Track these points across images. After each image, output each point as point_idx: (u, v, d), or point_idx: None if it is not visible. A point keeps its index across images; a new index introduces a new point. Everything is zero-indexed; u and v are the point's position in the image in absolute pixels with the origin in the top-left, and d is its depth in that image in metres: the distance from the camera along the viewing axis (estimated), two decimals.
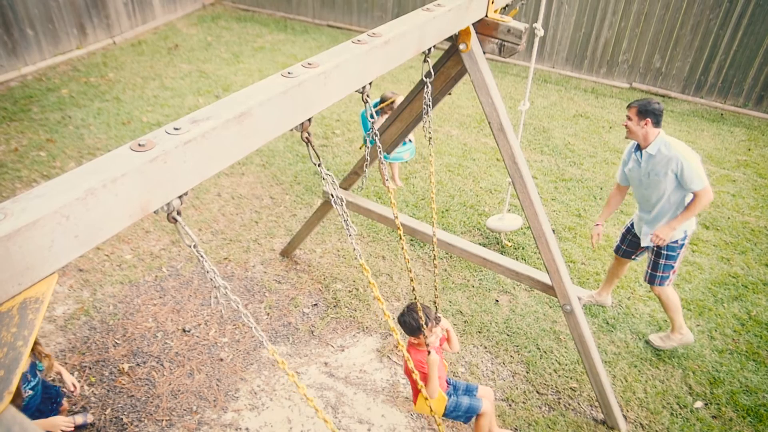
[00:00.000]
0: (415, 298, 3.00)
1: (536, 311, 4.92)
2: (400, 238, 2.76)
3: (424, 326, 3.14)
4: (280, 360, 1.87)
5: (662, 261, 4.24)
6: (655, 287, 4.34)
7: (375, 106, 5.68)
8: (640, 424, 4.02)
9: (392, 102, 5.42)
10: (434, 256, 3.22)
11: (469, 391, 3.52)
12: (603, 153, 7.39)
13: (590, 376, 3.83)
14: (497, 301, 5.02)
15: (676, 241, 4.17)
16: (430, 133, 3.02)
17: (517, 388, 4.25)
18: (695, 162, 3.87)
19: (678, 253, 4.22)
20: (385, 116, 5.49)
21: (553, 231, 5.60)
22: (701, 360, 4.50)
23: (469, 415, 3.41)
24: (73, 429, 3.18)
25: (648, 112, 3.94)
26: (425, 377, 3.17)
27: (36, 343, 3.12)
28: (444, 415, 3.38)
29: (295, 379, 1.92)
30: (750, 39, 8.20)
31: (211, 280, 1.72)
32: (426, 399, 2.91)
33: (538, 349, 4.58)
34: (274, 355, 1.83)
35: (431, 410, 2.97)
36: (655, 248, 4.25)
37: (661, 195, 4.08)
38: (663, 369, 4.42)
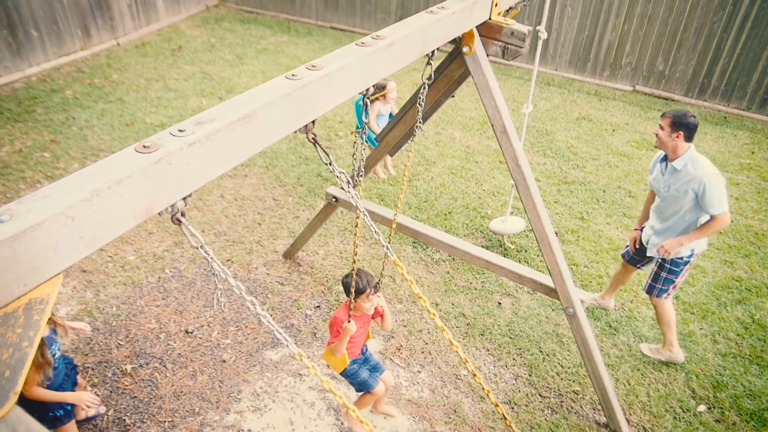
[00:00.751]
0: (353, 268, 3.08)
1: (539, 314, 4.91)
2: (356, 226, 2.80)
3: (353, 296, 3.26)
4: (298, 354, 1.91)
5: (664, 274, 4.19)
6: (653, 298, 4.32)
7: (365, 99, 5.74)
8: (643, 427, 4.01)
9: (384, 89, 5.42)
10: (390, 236, 3.41)
11: (374, 369, 3.69)
12: (606, 156, 7.38)
13: (593, 379, 3.83)
14: (500, 303, 5.01)
15: (681, 258, 4.10)
16: (417, 130, 3.04)
17: (519, 391, 4.24)
18: (719, 186, 3.77)
19: (681, 270, 4.15)
20: (378, 104, 5.49)
21: (556, 234, 5.60)
22: (704, 364, 4.49)
23: (361, 389, 3.62)
24: (97, 405, 3.22)
25: (681, 125, 3.81)
26: (336, 336, 3.37)
27: (52, 312, 3.15)
28: (341, 374, 3.58)
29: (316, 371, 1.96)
30: (754, 42, 8.19)
31: (225, 280, 1.74)
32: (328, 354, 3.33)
33: (541, 352, 4.57)
34: (301, 358, 1.86)
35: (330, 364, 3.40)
36: (659, 260, 4.21)
37: (676, 210, 4.00)
38: (666, 372, 4.41)
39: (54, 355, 3.17)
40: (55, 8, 8.65)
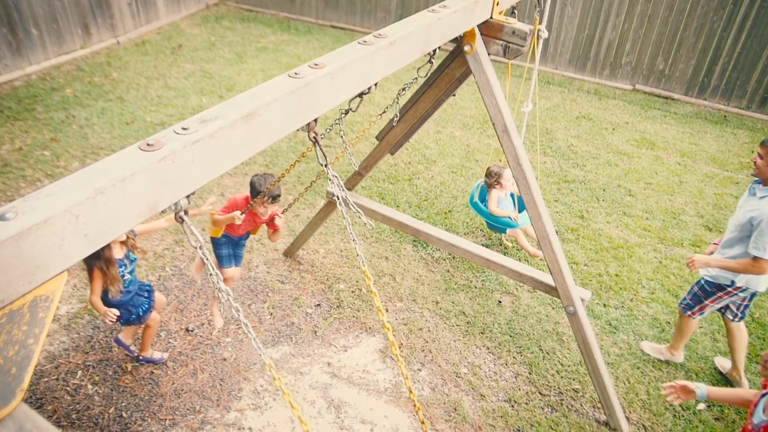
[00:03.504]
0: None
1: (539, 312, 4.92)
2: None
3: (251, 195, 3.77)
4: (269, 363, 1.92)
5: (695, 288, 4.11)
6: (679, 307, 4.28)
7: (482, 189, 5.33)
8: (643, 425, 4.02)
9: (499, 176, 5.07)
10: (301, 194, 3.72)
11: (233, 256, 4.28)
12: (606, 155, 7.39)
13: (593, 377, 3.84)
14: (500, 302, 5.02)
15: (717, 282, 3.93)
16: (397, 116, 3.09)
17: (519, 389, 4.25)
18: None
19: (714, 294, 3.97)
20: (493, 190, 5.07)
21: (557, 232, 5.61)
22: (704, 362, 4.50)
23: (216, 261, 4.20)
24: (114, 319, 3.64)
25: None
26: (225, 212, 3.88)
27: (128, 237, 3.74)
28: (210, 238, 4.20)
29: (281, 384, 1.96)
30: (754, 41, 8.20)
31: (217, 283, 1.75)
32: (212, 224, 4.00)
33: (541, 350, 4.58)
34: (270, 369, 1.88)
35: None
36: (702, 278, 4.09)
37: (731, 233, 3.84)
38: (666, 371, 4.42)
39: (123, 276, 3.71)
40: (55, 6, 8.64)
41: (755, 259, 3.58)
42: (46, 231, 1.20)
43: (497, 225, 5.17)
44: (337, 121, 2.49)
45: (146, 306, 3.98)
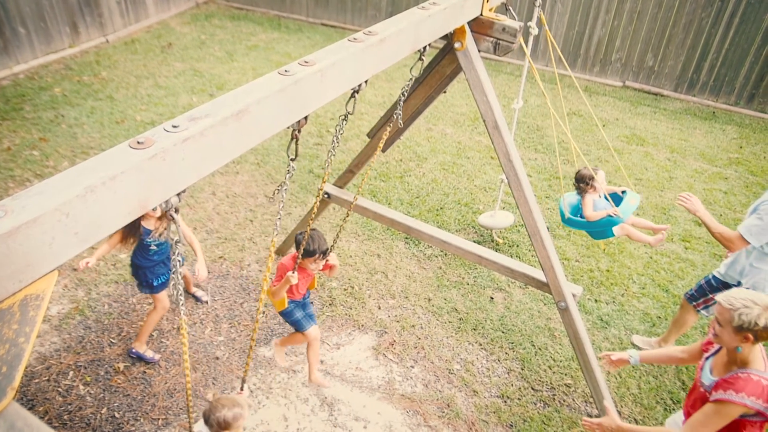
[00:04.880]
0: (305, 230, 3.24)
1: (531, 308, 4.94)
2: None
3: (301, 256, 3.37)
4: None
5: (702, 281, 4.12)
6: (684, 297, 4.28)
7: (576, 209, 4.67)
8: (634, 419, 4.05)
9: (593, 179, 4.53)
10: (347, 214, 3.58)
11: (308, 315, 3.84)
12: (597, 151, 7.43)
13: (585, 372, 3.86)
14: (492, 298, 5.04)
15: (722, 281, 3.93)
16: (399, 115, 3.10)
17: (512, 385, 4.27)
18: None
19: (718, 288, 3.95)
20: (587, 195, 4.54)
21: (548, 228, 5.63)
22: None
23: (295, 327, 3.81)
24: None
25: None
26: (279, 281, 3.53)
27: (164, 213, 3.76)
28: (279, 313, 3.77)
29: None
30: (741, 38, 8.26)
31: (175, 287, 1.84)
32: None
33: (533, 346, 4.60)
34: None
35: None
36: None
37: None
38: (657, 365, 4.46)
39: (149, 246, 3.96)
40: (43, 5, 8.57)
41: (740, 237, 3.56)
42: (36, 229, 1.20)
43: (601, 229, 4.59)
44: (338, 126, 2.51)
45: (163, 279, 4.12)
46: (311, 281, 3.79)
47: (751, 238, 3.52)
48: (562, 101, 5.34)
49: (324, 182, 2.80)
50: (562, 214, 4.62)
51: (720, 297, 2.60)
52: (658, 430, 2.83)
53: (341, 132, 2.54)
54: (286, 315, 3.77)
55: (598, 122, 4.64)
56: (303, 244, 3.24)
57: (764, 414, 2.52)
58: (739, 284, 3.86)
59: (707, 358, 2.88)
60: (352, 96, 2.36)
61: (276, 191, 2.28)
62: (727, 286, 3.93)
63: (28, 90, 7.97)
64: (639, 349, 4.57)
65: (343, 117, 2.50)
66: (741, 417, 2.59)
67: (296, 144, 2.10)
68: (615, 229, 4.53)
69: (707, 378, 2.78)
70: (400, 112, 3.06)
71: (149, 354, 4.29)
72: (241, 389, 3.27)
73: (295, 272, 3.38)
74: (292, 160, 2.15)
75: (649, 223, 4.75)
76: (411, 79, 2.88)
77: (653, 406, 4.13)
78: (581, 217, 4.52)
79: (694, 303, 4.18)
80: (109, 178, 1.33)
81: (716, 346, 2.86)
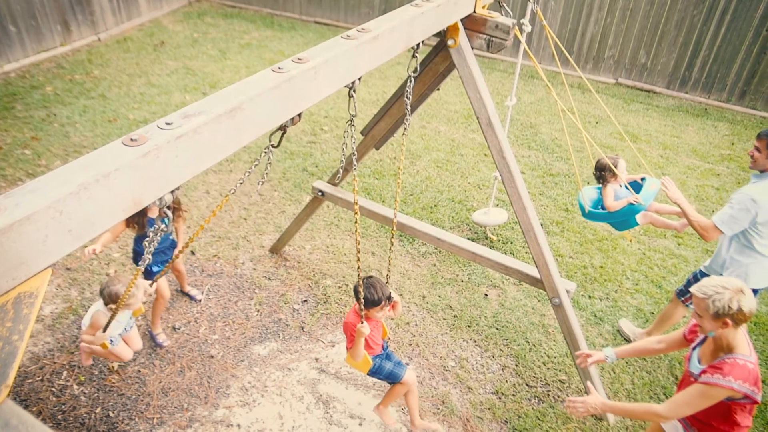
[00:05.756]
0: (358, 276, 3.07)
1: (525, 305, 4.96)
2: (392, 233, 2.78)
3: (364, 306, 3.20)
4: None
5: (690, 276, 4.17)
6: (674, 293, 4.32)
7: (599, 190, 4.55)
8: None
9: (612, 168, 4.33)
10: (392, 236, 3.31)
11: (397, 363, 3.59)
12: (590, 148, 7.45)
13: (579, 368, 3.88)
14: (486, 295, 5.05)
15: (707, 275, 3.93)
16: (407, 121, 3.06)
17: (506, 381, 4.29)
18: (740, 206, 3.55)
19: (700, 280, 3.99)
20: (608, 186, 4.39)
21: (541, 225, 5.65)
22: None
23: (391, 379, 3.57)
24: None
25: None
26: (352, 341, 3.33)
27: (177, 203, 4.09)
28: (368, 374, 3.53)
29: None
30: (733, 35, 8.30)
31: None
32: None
33: (527, 342, 4.62)
34: None
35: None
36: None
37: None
38: (650, 360, 4.48)
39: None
40: (34, 3, 8.51)
41: (714, 226, 3.63)
42: (29, 227, 1.19)
43: (623, 218, 4.40)
44: (346, 133, 2.52)
45: (162, 267, 4.17)
46: (383, 329, 3.55)
47: (724, 227, 3.61)
48: (569, 96, 5.35)
49: (355, 188, 2.80)
50: (582, 209, 4.51)
51: (693, 288, 2.66)
52: (640, 406, 2.88)
53: (354, 139, 2.56)
54: (376, 373, 3.52)
55: (610, 116, 4.65)
56: (361, 295, 3.09)
57: (751, 397, 2.57)
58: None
59: (694, 348, 2.93)
60: (351, 96, 2.36)
61: (260, 182, 2.27)
62: None
63: (20, 89, 7.92)
64: (619, 348, 4.59)
65: (349, 122, 2.51)
66: (729, 400, 2.63)
67: (282, 135, 2.09)
68: (638, 218, 4.36)
69: (695, 367, 2.83)
70: (410, 119, 3.05)
71: (161, 338, 4.41)
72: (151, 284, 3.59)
73: (365, 323, 3.18)
74: (273, 146, 2.14)
75: (673, 207, 4.46)
76: (409, 77, 2.88)
77: (647, 401, 4.15)
78: (602, 209, 4.42)
79: (683, 298, 4.23)
80: (102, 175, 1.32)
81: (701, 336, 2.90)
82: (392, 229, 3.35)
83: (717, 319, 2.57)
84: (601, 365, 4.40)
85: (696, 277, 4.11)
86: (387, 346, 3.62)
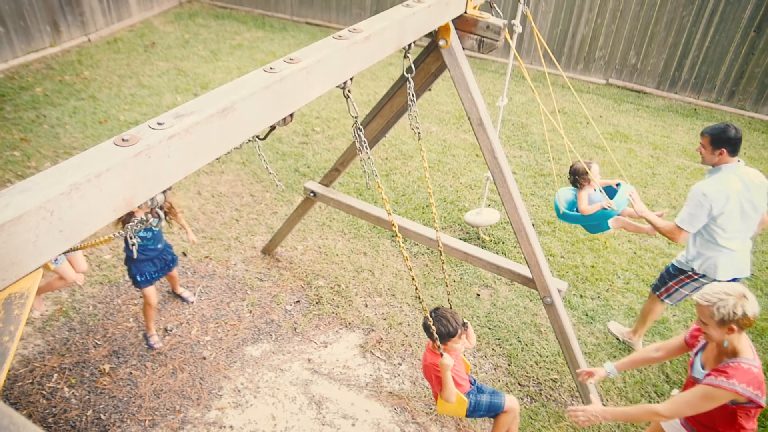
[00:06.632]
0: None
1: (517, 304, 4.98)
2: (400, 247, 2.78)
3: (440, 341, 3.05)
4: None
5: (663, 271, 4.25)
6: (650, 289, 4.40)
7: (572, 204, 4.63)
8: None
9: (587, 173, 4.44)
10: (442, 261, 3.27)
11: (492, 392, 3.40)
12: (581, 148, 7.49)
13: (571, 367, 3.89)
14: (478, 295, 5.06)
15: (679, 263, 4.07)
16: (417, 127, 3.06)
17: (499, 381, 4.30)
18: (696, 203, 3.67)
19: (675, 275, 4.10)
20: (583, 189, 4.52)
21: (533, 225, 5.67)
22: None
23: (493, 412, 3.34)
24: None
25: (722, 141, 3.66)
26: (439, 383, 3.10)
27: (171, 207, 4.17)
28: (466, 416, 3.32)
29: None
30: (721, 36, 8.37)
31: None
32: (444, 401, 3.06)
33: (520, 341, 4.64)
34: None
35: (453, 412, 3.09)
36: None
37: None
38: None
39: (142, 236, 4.03)
40: (22, 3, 8.45)
41: (677, 227, 3.78)
42: (20, 227, 1.19)
43: (596, 222, 4.54)
44: (356, 138, 2.51)
45: (147, 277, 4.17)
46: (465, 363, 3.42)
47: (686, 226, 3.74)
48: (555, 98, 5.37)
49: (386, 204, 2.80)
50: (557, 209, 4.61)
51: (696, 296, 2.68)
52: (640, 408, 2.90)
53: (365, 143, 2.57)
54: (475, 410, 3.29)
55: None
56: (434, 329, 2.98)
57: (755, 401, 2.58)
58: (692, 270, 4.00)
59: (696, 354, 2.95)
60: (347, 97, 2.36)
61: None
62: (682, 272, 4.08)
63: (8, 90, 7.86)
64: (619, 340, 4.62)
65: (355, 125, 2.50)
66: (733, 404, 2.64)
67: (270, 130, 2.09)
68: (610, 222, 4.52)
69: (699, 372, 2.85)
70: (419, 127, 3.06)
71: (153, 340, 4.38)
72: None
73: (445, 354, 3.01)
74: (259, 138, 2.13)
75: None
76: (407, 79, 2.88)
77: (638, 400, 4.18)
78: (576, 211, 4.53)
79: (658, 293, 4.29)
80: (94, 175, 1.32)
81: (702, 341, 2.92)
82: (440, 252, 3.32)
83: (722, 325, 2.58)
84: (593, 364, 4.43)
85: (668, 271, 4.20)
86: (475, 380, 3.46)
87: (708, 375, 2.69)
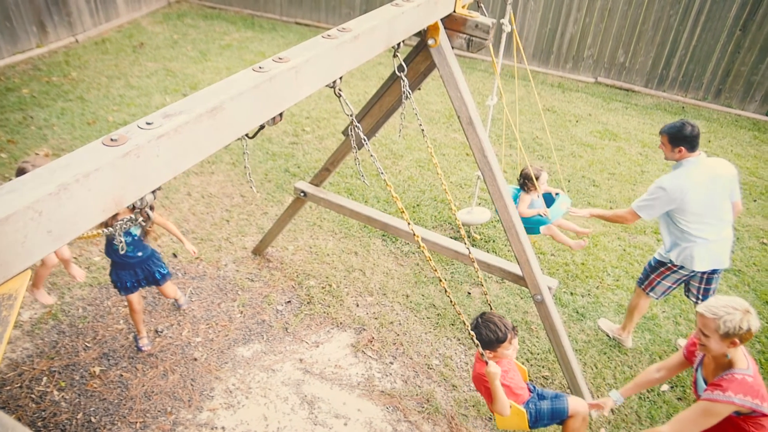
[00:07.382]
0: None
1: (508, 302, 5.00)
2: (429, 259, 2.78)
3: (490, 348, 2.97)
4: None
5: (646, 265, 4.33)
6: (636, 284, 4.48)
7: (517, 192, 4.93)
8: (611, 409, 4.12)
9: (534, 181, 4.68)
10: (476, 270, 3.28)
11: (554, 397, 3.17)
12: (570, 146, 7.53)
13: (562, 364, 3.92)
14: (469, 293, 5.08)
15: (660, 256, 4.18)
16: (421, 125, 3.06)
17: None
18: (653, 194, 3.87)
19: (656, 267, 4.19)
20: (527, 195, 4.80)
21: None
22: (667, 345, 4.64)
23: (557, 418, 3.09)
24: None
25: (679, 140, 3.88)
26: (489, 395, 2.94)
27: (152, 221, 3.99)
28: (530, 428, 3.07)
29: None
30: (708, 34, 8.45)
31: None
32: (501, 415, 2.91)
33: None
34: None
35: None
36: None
37: None
38: (631, 355, 4.54)
39: (129, 242, 3.96)
40: (8, 4, 8.37)
41: (631, 211, 3.99)
42: (8, 228, 1.18)
43: (529, 226, 4.75)
44: (354, 131, 2.50)
45: (128, 284, 4.10)
46: (521, 369, 3.25)
47: (641, 212, 3.95)
48: (537, 95, 5.39)
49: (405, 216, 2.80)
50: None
51: (701, 308, 2.69)
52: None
53: (367, 143, 2.56)
54: (538, 421, 3.04)
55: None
56: (483, 336, 2.90)
57: (758, 410, 2.60)
58: (670, 261, 4.09)
59: (697, 370, 2.97)
60: (339, 96, 2.36)
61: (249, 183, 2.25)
62: (662, 264, 4.17)
63: None
64: (613, 339, 4.65)
65: (350, 124, 2.50)
66: (738, 415, 2.66)
67: (259, 128, 2.09)
68: (542, 228, 4.86)
69: (702, 389, 2.86)
70: (421, 123, 3.06)
71: (142, 342, 4.35)
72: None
73: (490, 362, 2.87)
74: (248, 137, 2.13)
75: (575, 226, 5.09)
76: (400, 78, 2.88)
77: (635, 400, 4.20)
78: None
79: (642, 286, 4.35)
80: (82, 175, 1.31)
81: (700, 356, 2.94)
82: (475, 269, 3.27)
83: (726, 338, 2.61)
84: (583, 361, 4.46)
85: (650, 264, 4.27)
86: (534, 387, 3.26)
87: (705, 390, 2.71)
